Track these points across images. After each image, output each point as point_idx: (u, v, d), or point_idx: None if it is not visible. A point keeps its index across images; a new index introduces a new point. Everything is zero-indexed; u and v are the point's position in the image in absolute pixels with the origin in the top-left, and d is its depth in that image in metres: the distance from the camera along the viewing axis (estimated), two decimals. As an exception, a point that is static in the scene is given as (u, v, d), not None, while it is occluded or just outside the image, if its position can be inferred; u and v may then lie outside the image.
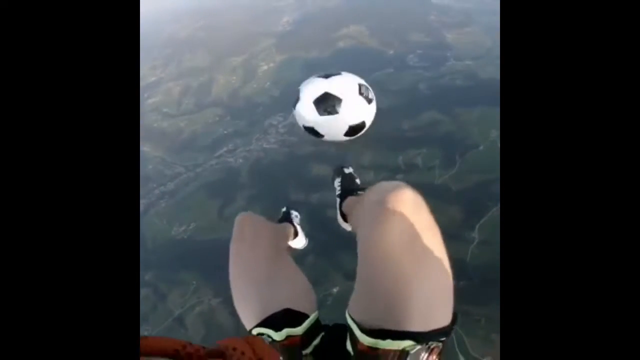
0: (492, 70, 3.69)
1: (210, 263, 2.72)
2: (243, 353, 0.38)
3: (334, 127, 1.39)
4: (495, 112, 3.13)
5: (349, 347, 0.75)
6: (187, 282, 2.74)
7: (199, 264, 2.81)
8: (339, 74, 1.43)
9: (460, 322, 2.18)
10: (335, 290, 2.34)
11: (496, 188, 2.60)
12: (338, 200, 1.69)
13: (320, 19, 5.51)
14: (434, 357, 0.68)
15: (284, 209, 2.00)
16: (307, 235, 2.35)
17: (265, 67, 4.76)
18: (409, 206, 0.66)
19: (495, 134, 2.99)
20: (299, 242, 1.93)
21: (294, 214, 1.99)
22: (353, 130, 1.39)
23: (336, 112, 1.32)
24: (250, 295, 0.92)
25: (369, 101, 1.42)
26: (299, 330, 0.83)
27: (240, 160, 3.52)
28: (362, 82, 1.44)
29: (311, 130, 1.43)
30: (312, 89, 1.36)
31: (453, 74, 3.77)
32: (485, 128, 3.08)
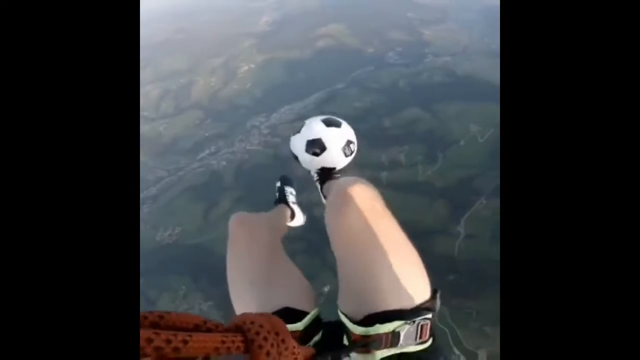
0: (468, 66, 3.77)
1: (198, 267, 2.68)
2: (261, 326, 0.39)
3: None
4: (474, 107, 3.21)
5: (345, 341, 0.77)
6: (176, 287, 2.70)
7: (187, 269, 2.78)
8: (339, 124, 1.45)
9: (452, 316, 2.24)
10: (326, 289, 2.35)
11: (479, 182, 2.67)
12: (319, 185, 1.74)
13: (299, 18, 5.50)
14: (426, 336, 0.71)
15: (278, 184, 1.93)
16: (297, 235, 2.35)
17: (245, 68, 4.72)
18: (361, 195, 0.74)
19: (474, 128, 3.06)
20: (297, 220, 1.89)
21: (289, 190, 1.92)
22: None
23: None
24: (249, 298, 0.92)
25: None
26: (299, 325, 0.84)
27: (224, 163, 3.49)
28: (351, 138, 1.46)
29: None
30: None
31: (431, 70, 3.83)
32: (464, 123, 3.15)
